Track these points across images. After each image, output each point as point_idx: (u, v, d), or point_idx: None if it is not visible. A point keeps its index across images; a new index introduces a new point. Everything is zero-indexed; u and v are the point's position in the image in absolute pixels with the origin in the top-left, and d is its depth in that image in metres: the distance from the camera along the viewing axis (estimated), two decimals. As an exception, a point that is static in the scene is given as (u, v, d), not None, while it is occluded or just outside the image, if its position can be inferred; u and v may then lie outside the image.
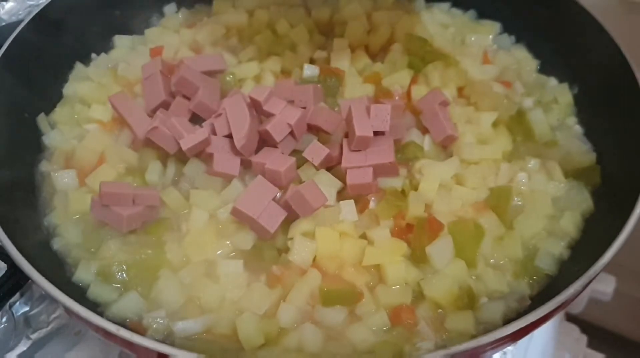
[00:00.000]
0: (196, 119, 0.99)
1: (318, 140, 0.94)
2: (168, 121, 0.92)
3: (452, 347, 0.70)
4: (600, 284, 1.35)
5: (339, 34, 1.18)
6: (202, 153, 0.93)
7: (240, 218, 0.86)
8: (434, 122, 0.98)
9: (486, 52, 1.18)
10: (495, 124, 1.03)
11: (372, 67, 1.13)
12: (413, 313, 0.82)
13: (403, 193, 0.92)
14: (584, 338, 1.24)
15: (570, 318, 1.31)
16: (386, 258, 0.85)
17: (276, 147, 0.92)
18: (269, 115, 0.93)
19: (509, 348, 1.07)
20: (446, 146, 1.00)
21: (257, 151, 0.94)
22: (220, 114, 0.93)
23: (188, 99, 1.00)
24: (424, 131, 1.00)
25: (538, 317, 0.72)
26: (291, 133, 0.92)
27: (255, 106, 0.94)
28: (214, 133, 0.93)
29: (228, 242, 0.88)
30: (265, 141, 0.94)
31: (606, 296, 1.37)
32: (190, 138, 0.90)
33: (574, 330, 1.26)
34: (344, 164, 0.90)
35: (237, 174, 0.92)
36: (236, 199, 0.88)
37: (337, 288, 0.83)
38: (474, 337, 0.75)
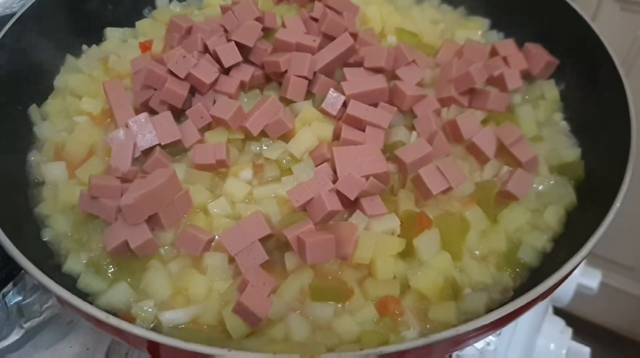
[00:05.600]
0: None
1: None
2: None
3: (432, 335, 0.71)
4: (586, 279, 1.37)
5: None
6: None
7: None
8: (424, 126, 0.99)
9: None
10: (485, 121, 1.04)
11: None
12: (399, 304, 0.83)
13: (392, 189, 0.93)
14: (569, 331, 1.26)
15: (557, 311, 1.33)
16: (377, 253, 0.85)
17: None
18: None
19: (493, 339, 1.09)
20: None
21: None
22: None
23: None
24: (411, 128, 1.01)
25: (517, 307, 0.74)
26: None
27: None
28: None
29: (217, 236, 0.87)
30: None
31: (592, 291, 1.39)
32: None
33: (560, 323, 1.28)
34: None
35: None
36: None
37: (328, 284, 0.83)
38: (455, 326, 0.77)
